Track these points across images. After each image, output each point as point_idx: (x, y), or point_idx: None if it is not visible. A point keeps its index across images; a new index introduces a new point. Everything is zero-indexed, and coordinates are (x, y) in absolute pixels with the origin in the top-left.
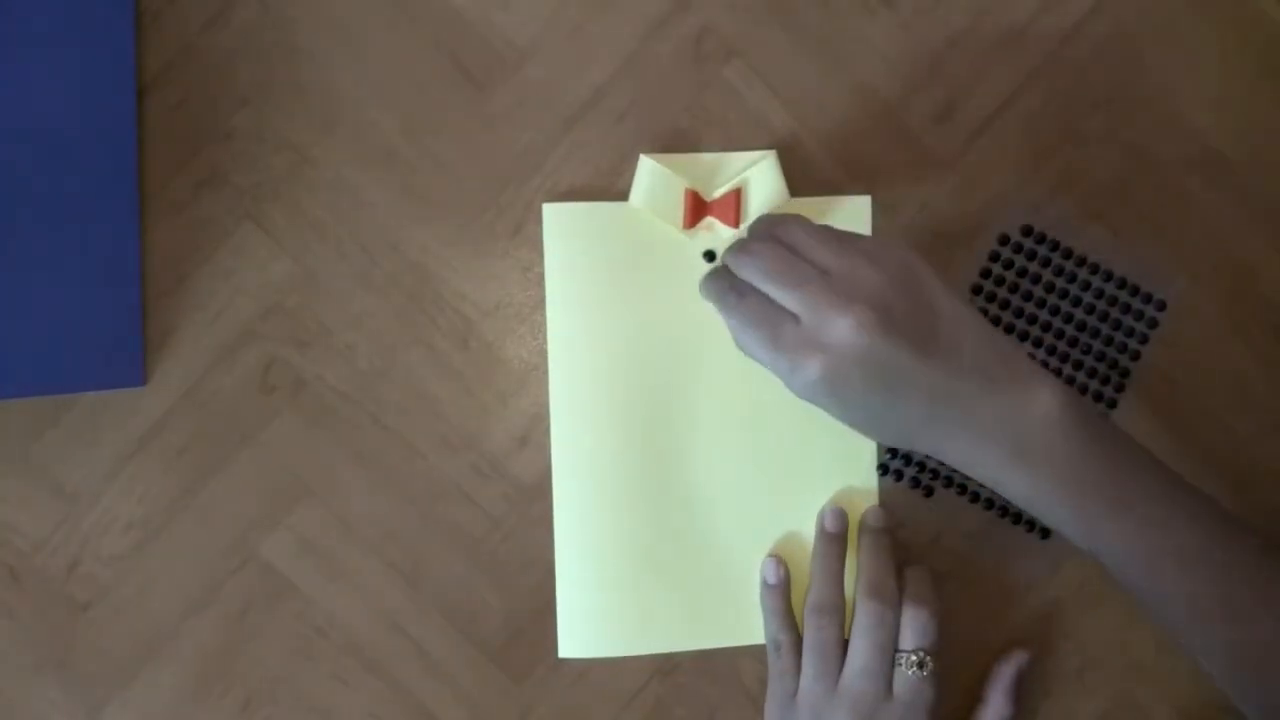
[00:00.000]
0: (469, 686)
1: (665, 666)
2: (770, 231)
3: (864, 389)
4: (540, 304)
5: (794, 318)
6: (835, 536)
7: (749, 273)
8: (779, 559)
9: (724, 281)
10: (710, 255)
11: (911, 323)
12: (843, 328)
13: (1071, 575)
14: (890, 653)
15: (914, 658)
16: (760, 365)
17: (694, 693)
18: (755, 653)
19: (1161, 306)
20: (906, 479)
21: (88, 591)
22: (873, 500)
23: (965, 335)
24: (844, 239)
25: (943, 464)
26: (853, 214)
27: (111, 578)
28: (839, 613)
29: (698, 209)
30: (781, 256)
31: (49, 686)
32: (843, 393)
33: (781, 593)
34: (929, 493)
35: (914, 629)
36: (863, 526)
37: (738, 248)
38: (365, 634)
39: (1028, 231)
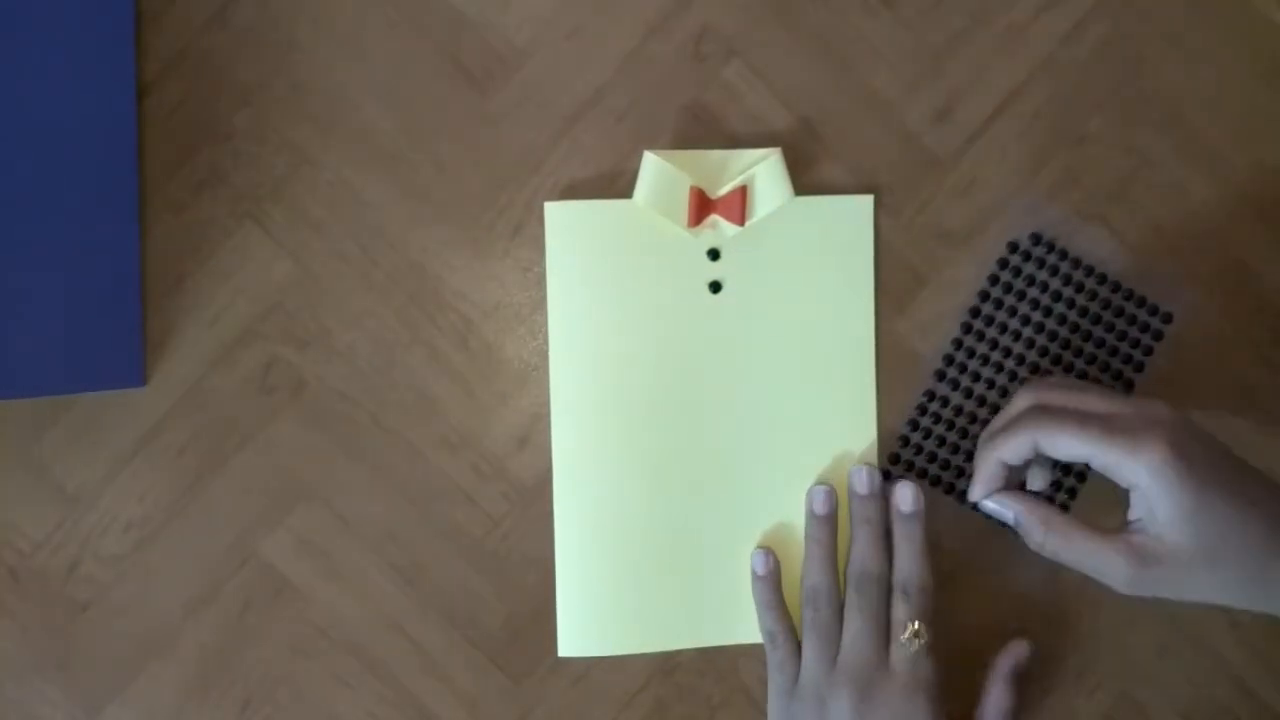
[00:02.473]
0: (469, 686)
1: (665, 666)
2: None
3: (1210, 461)
4: (540, 304)
5: (1114, 415)
6: (825, 518)
7: (1044, 397)
8: (768, 550)
9: (1025, 416)
10: (714, 254)
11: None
12: (1163, 408)
13: (1071, 576)
14: (884, 627)
15: (909, 628)
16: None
17: (694, 692)
18: (756, 652)
19: (1168, 319)
20: (894, 477)
21: (88, 591)
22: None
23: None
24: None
25: (945, 468)
26: (853, 214)
27: (111, 578)
28: (833, 594)
29: (702, 207)
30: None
31: (49, 686)
32: (1199, 467)
33: (772, 584)
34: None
35: (905, 601)
36: (850, 494)
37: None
38: (365, 634)
39: (1036, 239)
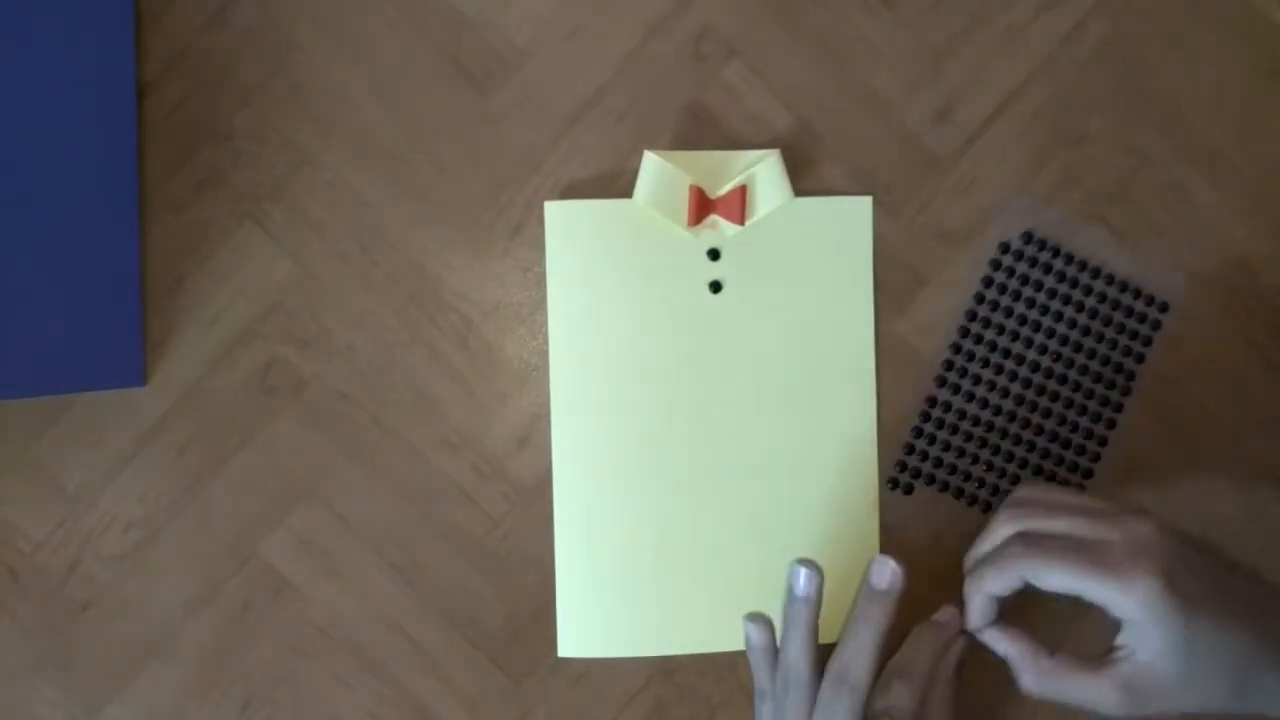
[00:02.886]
0: (469, 686)
1: (665, 666)
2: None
3: (1201, 587)
4: (540, 304)
5: (1101, 544)
6: (884, 594)
7: (1028, 524)
8: (767, 619)
9: (1009, 543)
10: (714, 254)
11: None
12: (1151, 529)
13: None
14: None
15: None
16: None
17: (694, 693)
18: None
19: (1164, 308)
20: (902, 485)
21: (88, 591)
22: (873, 508)
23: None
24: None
25: (952, 472)
26: (853, 214)
27: (111, 578)
28: (862, 690)
29: (702, 206)
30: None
31: (49, 686)
32: (1189, 594)
33: (812, 607)
34: (908, 490)
35: (884, 693)
36: (867, 586)
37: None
38: (365, 634)
39: (1028, 238)
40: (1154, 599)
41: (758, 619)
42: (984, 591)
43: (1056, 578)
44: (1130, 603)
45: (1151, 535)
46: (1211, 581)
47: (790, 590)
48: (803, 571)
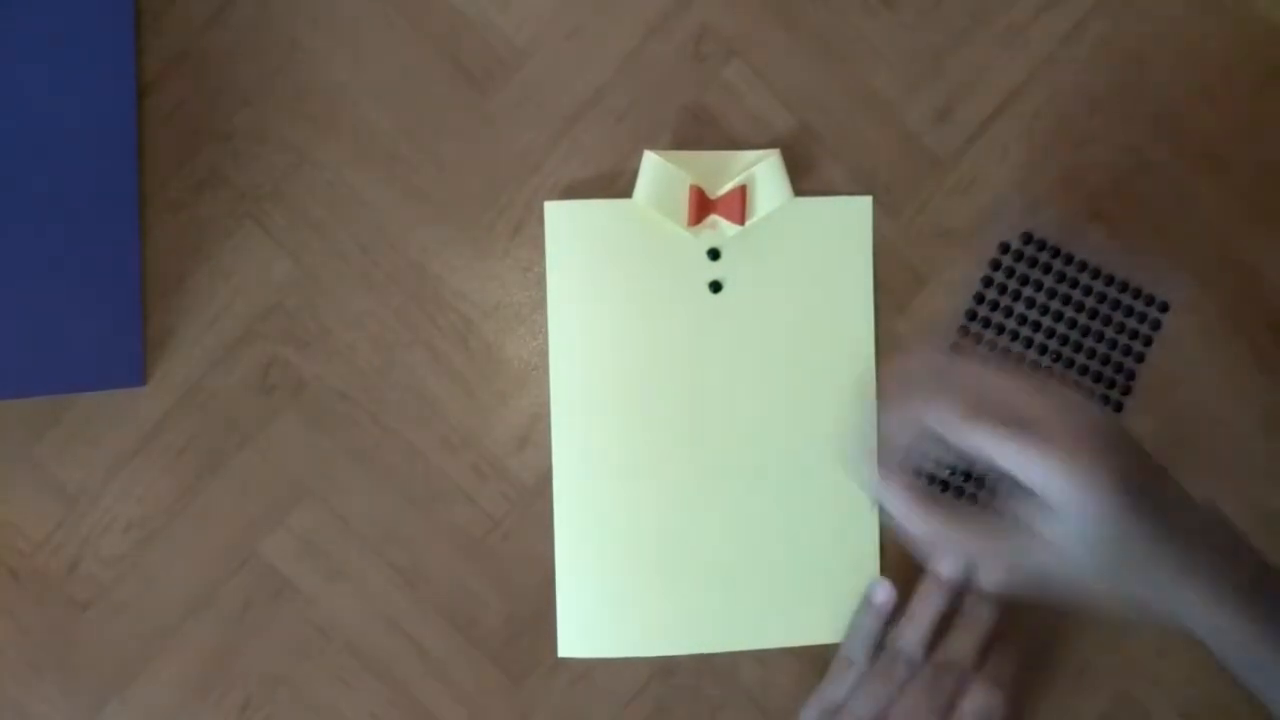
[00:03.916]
0: (469, 687)
1: (665, 667)
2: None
3: (1144, 487)
4: (540, 304)
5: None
6: (948, 584)
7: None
8: (892, 585)
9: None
10: (714, 254)
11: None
12: (1093, 409)
13: None
14: (943, 712)
15: None
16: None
17: (694, 693)
18: (756, 654)
19: (1164, 308)
20: None
21: (88, 591)
22: (873, 508)
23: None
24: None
25: (936, 466)
26: (852, 215)
27: (111, 578)
28: (918, 664)
29: (702, 206)
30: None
31: (49, 686)
32: (1129, 489)
33: (881, 618)
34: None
35: (981, 705)
36: (973, 587)
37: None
38: (365, 634)
39: (1028, 239)
40: (1093, 483)
41: (888, 581)
42: (889, 446)
43: (978, 436)
44: (1065, 483)
45: (1096, 417)
46: (1152, 484)
47: (935, 575)
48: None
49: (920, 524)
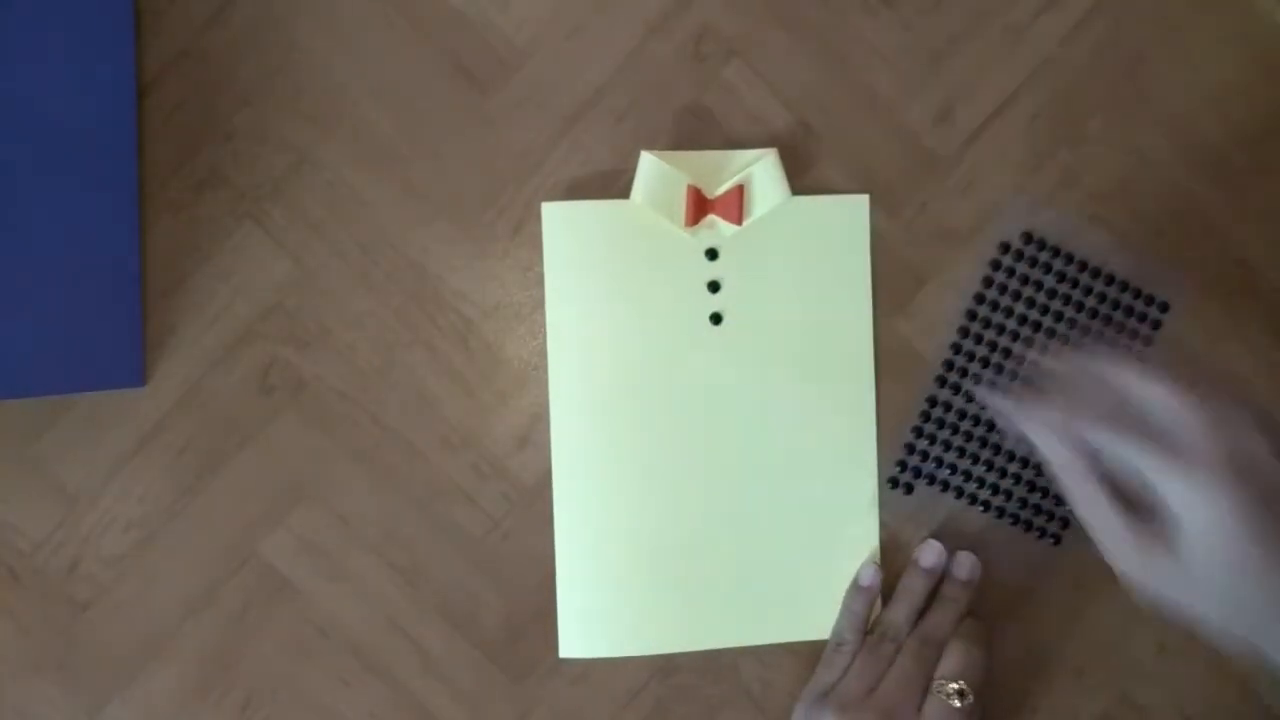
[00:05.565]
0: (469, 686)
1: (665, 666)
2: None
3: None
4: (540, 304)
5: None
6: (928, 571)
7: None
8: (879, 567)
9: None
10: (712, 253)
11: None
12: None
13: (1071, 576)
14: (927, 681)
15: (953, 686)
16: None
17: (694, 693)
18: (756, 653)
19: (1164, 308)
20: (902, 484)
21: (88, 591)
22: (873, 508)
23: None
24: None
25: (952, 471)
26: (848, 214)
27: (111, 578)
28: (903, 636)
29: (700, 206)
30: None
31: (49, 686)
32: (1261, 509)
33: (869, 598)
34: (908, 490)
35: (962, 661)
36: (948, 574)
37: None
38: (365, 634)
39: (1028, 239)
40: (1232, 512)
41: (874, 564)
42: (1036, 417)
43: (1121, 446)
44: (1204, 511)
45: (1244, 446)
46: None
47: (916, 564)
48: (934, 545)
49: (1089, 507)
